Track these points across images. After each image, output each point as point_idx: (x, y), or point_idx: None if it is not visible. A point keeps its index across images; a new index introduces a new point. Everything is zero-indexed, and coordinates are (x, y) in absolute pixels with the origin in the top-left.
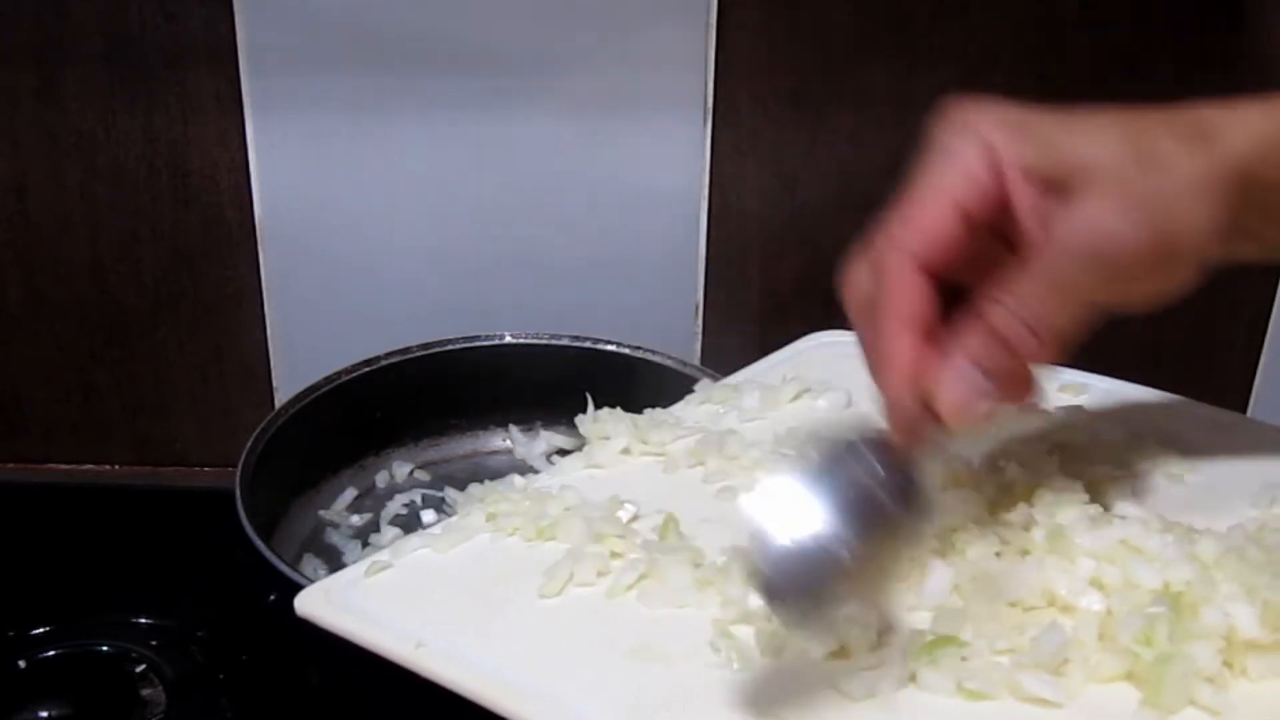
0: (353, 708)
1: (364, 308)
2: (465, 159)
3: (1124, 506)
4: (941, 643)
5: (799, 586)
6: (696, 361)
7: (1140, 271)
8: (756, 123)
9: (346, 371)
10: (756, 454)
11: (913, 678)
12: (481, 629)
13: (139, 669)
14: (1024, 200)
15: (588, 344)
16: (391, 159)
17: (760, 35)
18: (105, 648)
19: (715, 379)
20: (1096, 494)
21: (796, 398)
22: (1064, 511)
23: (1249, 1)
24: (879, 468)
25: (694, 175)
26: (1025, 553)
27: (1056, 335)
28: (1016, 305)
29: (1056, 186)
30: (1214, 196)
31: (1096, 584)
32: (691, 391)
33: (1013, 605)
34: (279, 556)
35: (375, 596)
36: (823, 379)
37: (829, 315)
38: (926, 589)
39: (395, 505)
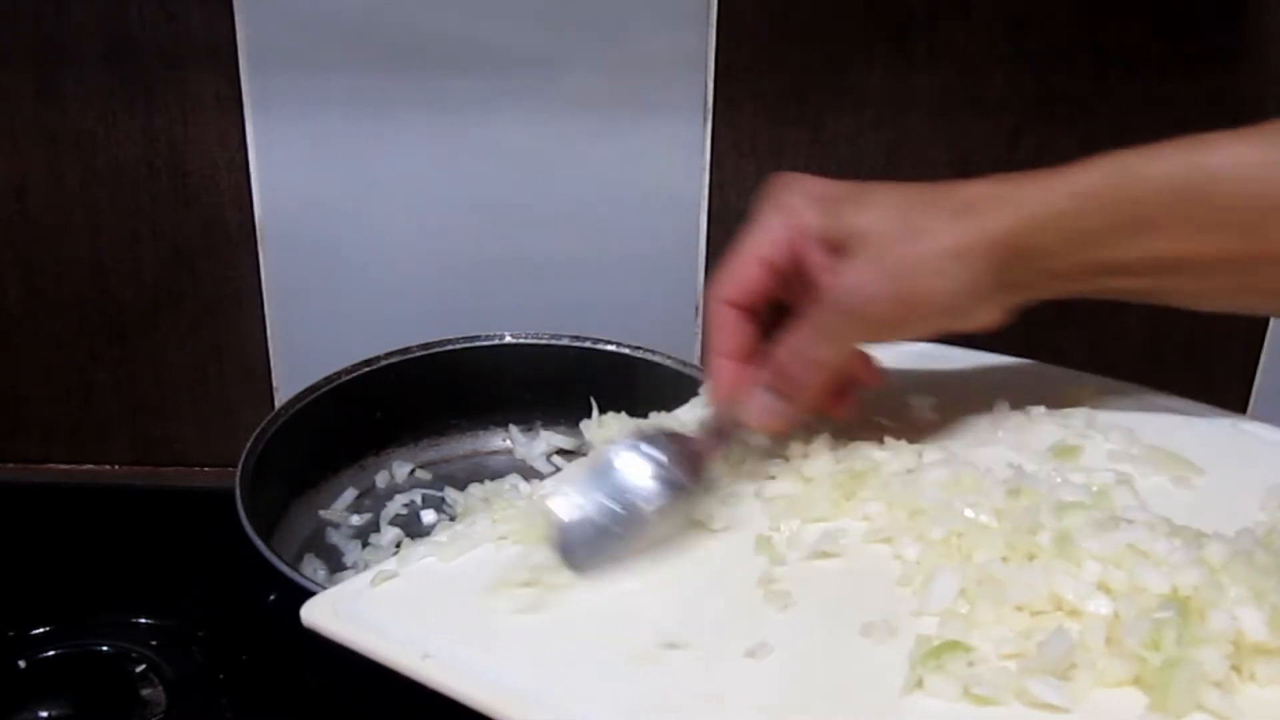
0: (353, 708)
1: (364, 308)
2: (465, 159)
3: (1131, 511)
4: (948, 648)
5: (586, 548)
6: (696, 361)
7: (888, 324)
8: (756, 123)
9: (346, 371)
10: (760, 459)
11: (919, 683)
12: (487, 638)
13: (139, 669)
14: (814, 259)
15: (588, 344)
16: (391, 159)
17: (760, 35)
18: (105, 648)
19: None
20: (1102, 499)
21: None
22: (1070, 516)
23: (1249, 1)
24: (665, 454)
25: (694, 175)
26: (1032, 557)
27: (822, 365)
28: (792, 345)
29: (839, 249)
30: (963, 266)
31: (1103, 588)
32: (696, 395)
33: (1019, 609)
34: (279, 556)
35: (381, 606)
36: None
37: None
38: (932, 593)
39: (395, 505)
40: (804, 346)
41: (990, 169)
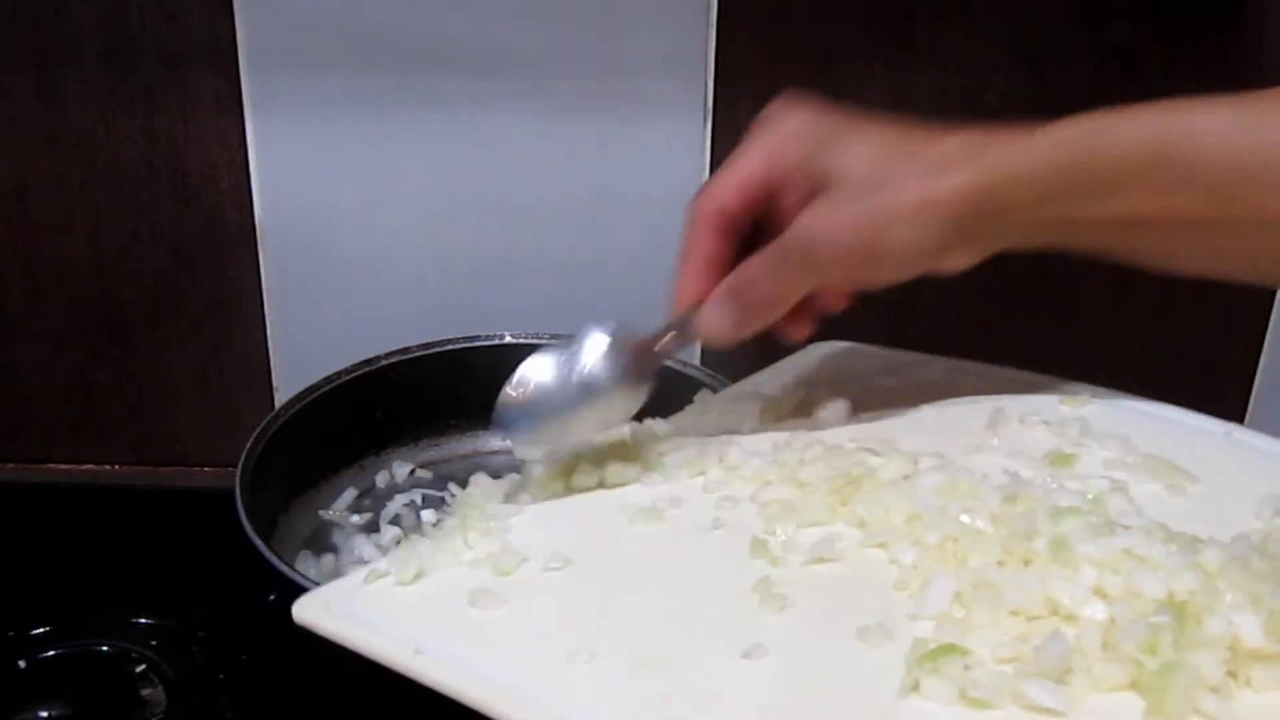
0: (352, 708)
1: (364, 308)
2: (465, 159)
3: (1126, 517)
4: (944, 651)
5: (528, 419)
6: (696, 362)
7: (846, 269)
8: None
9: (346, 371)
10: (757, 463)
11: (915, 686)
12: (480, 636)
13: (139, 669)
14: (793, 189)
15: None
16: (391, 159)
17: (760, 35)
18: (105, 648)
19: (715, 379)
20: (1098, 506)
21: (797, 408)
22: (1066, 521)
23: (1249, 1)
24: (619, 346)
25: (694, 175)
26: (1028, 562)
27: (779, 297)
28: (757, 268)
29: (815, 185)
30: (927, 222)
31: (1100, 593)
32: (691, 401)
33: (1015, 614)
34: (279, 556)
35: (373, 604)
36: (824, 389)
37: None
38: (928, 597)
39: (395, 505)
40: (760, 276)
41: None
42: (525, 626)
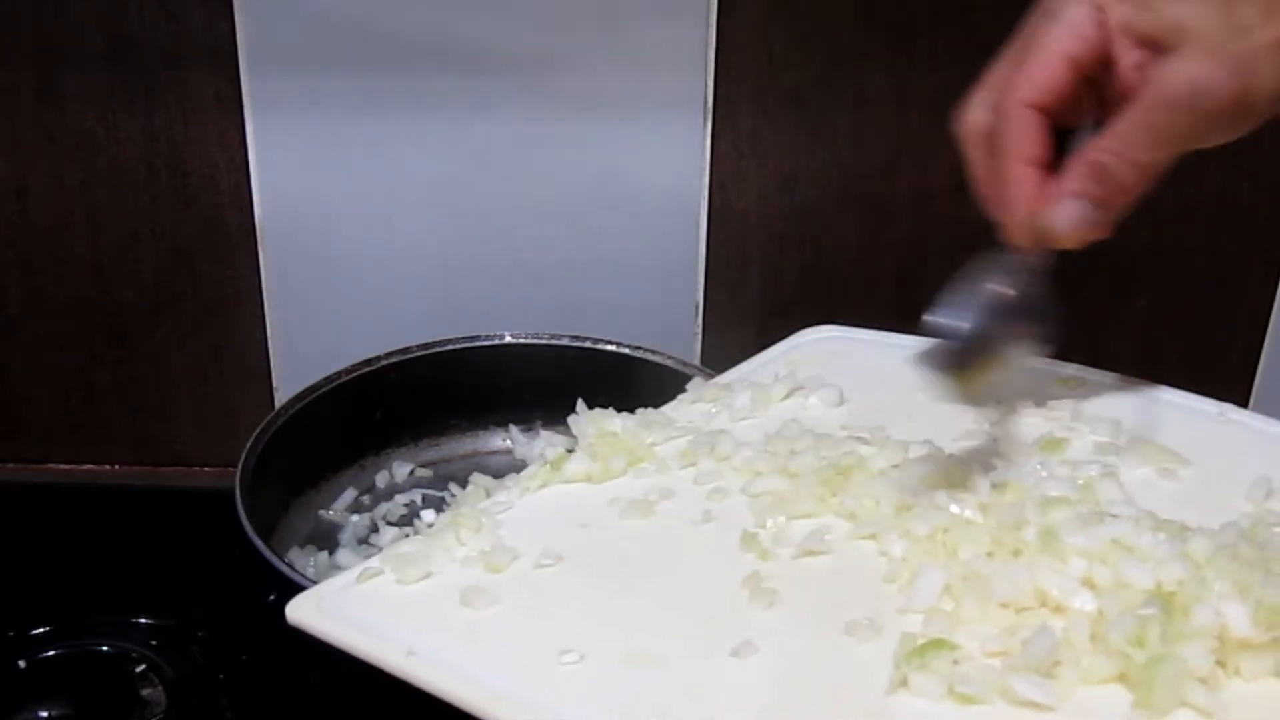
0: (352, 708)
1: (364, 308)
2: (465, 159)
3: (1116, 504)
4: (933, 646)
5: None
6: (696, 361)
7: (1222, 119)
8: (756, 123)
9: (346, 371)
10: (748, 454)
11: (904, 682)
12: (472, 636)
13: (139, 669)
14: (1126, 55)
15: (588, 344)
16: (391, 159)
17: (760, 35)
18: (105, 648)
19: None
20: (1089, 491)
21: (788, 396)
22: (1056, 510)
23: None
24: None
25: (694, 175)
26: (1017, 553)
27: (1147, 169)
28: (1117, 143)
29: (1154, 44)
30: None
31: (1088, 584)
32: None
33: (1004, 606)
34: (279, 556)
35: (366, 604)
36: (815, 375)
37: (829, 315)
38: (918, 590)
39: (395, 505)
40: (1130, 148)
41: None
42: (517, 626)
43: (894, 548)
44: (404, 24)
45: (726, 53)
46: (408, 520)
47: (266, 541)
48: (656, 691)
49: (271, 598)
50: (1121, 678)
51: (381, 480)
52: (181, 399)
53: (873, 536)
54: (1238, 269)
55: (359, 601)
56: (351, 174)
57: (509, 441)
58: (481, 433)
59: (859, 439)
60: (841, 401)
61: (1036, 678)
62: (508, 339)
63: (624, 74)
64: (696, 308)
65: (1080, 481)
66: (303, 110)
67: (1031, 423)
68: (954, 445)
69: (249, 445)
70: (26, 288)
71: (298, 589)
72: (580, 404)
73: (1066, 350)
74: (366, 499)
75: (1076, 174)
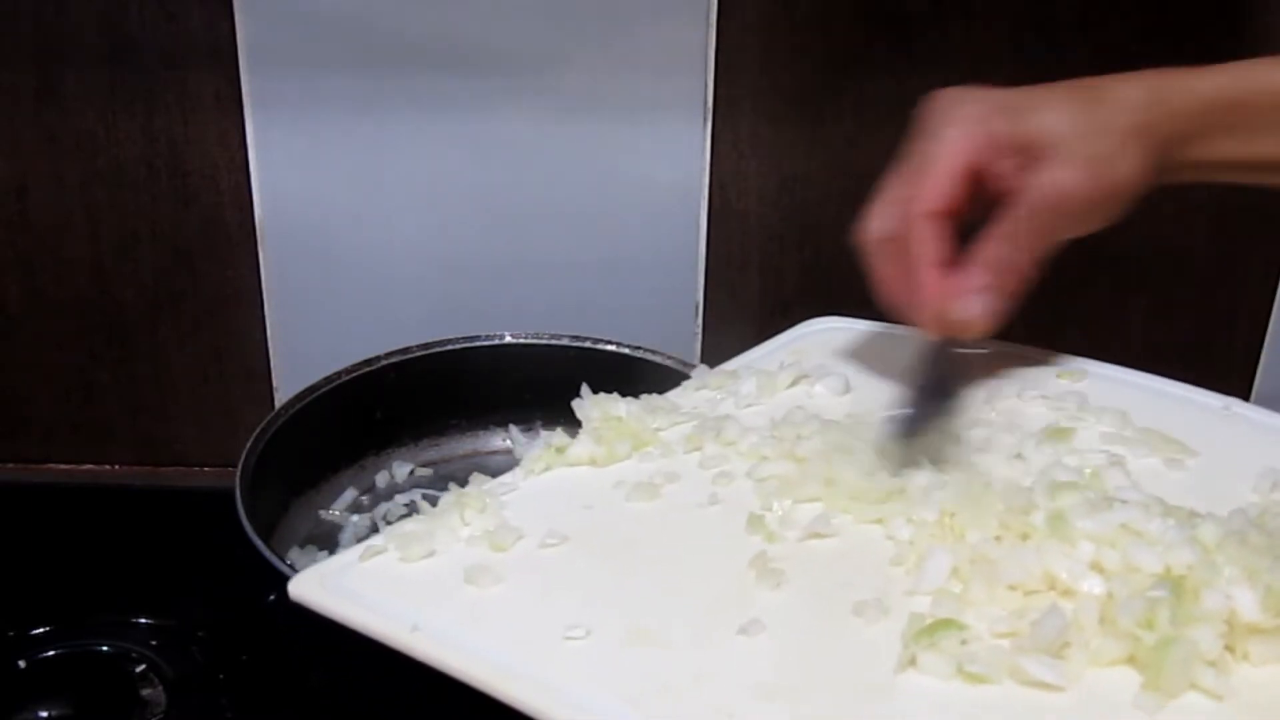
0: (352, 708)
1: (364, 308)
2: (465, 159)
3: (1124, 492)
4: (941, 625)
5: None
6: (696, 361)
7: (1091, 213)
8: (756, 123)
9: (346, 371)
10: (754, 439)
11: (912, 661)
12: (477, 613)
13: (139, 669)
14: (1003, 164)
15: (588, 344)
16: (392, 159)
17: (760, 35)
18: (105, 648)
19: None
20: (1096, 479)
21: (794, 383)
22: (1064, 495)
23: (1249, 1)
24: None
25: (694, 175)
26: (1025, 537)
27: (1035, 260)
28: (1006, 242)
29: (1026, 152)
30: (1140, 154)
31: (1097, 568)
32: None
33: (1012, 589)
34: (279, 556)
35: (370, 581)
36: (819, 364)
37: (829, 314)
38: (925, 573)
39: (395, 505)
40: (1017, 246)
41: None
42: (522, 603)
43: (901, 531)
44: (404, 24)
45: (726, 53)
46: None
47: (266, 541)
48: (663, 667)
49: (271, 598)
50: (1131, 660)
51: (381, 480)
52: (181, 399)
53: (879, 521)
54: (1238, 269)
55: (362, 579)
56: (351, 174)
57: (509, 441)
58: (481, 433)
59: (865, 425)
60: (847, 389)
61: (1046, 658)
62: (508, 339)
63: (624, 74)
64: (696, 308)
65: (1088, 470)
66: (303, 110)
67: (1037, 412)
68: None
69: (249, 445)
70: (26, 288)
71: None
72: (585, 388)
73: (1067, 350)
74: (366, 499)
75: (978, 271)
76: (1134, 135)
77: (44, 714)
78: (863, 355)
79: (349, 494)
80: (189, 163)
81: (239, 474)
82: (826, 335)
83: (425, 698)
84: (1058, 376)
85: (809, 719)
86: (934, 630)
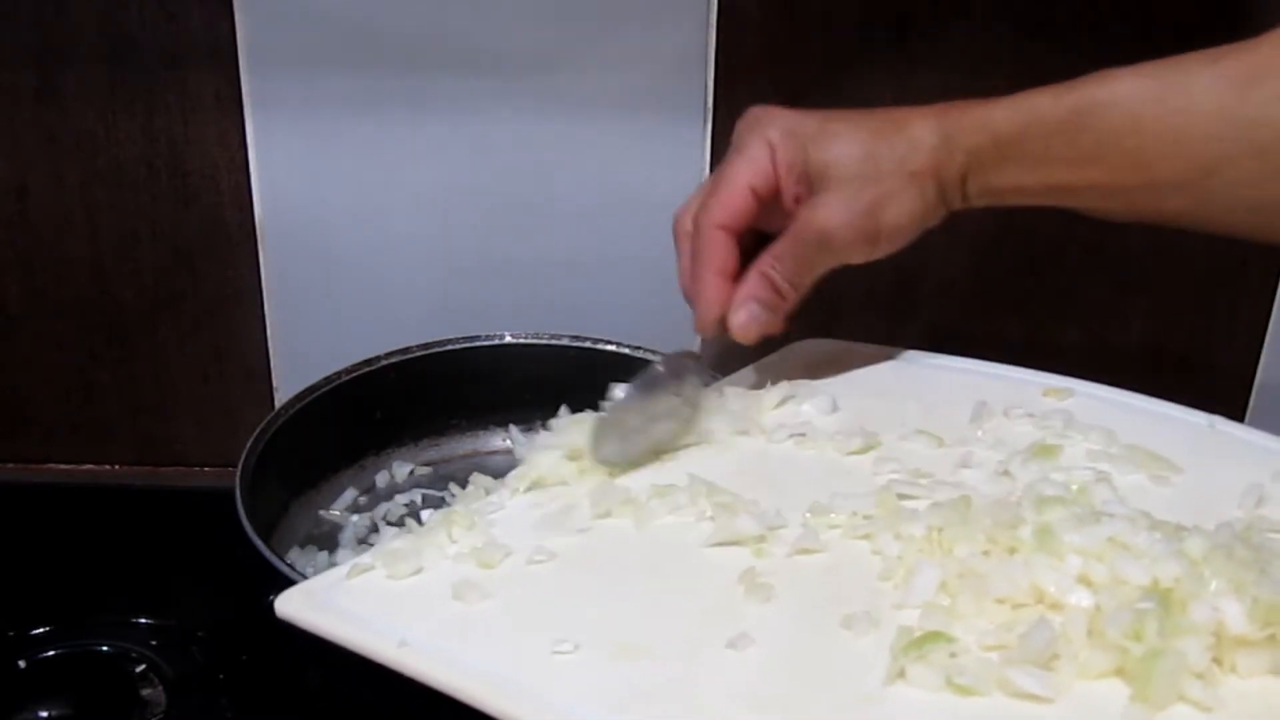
0: (352, 708)
1: (364, 308)
2: (465, 159)
3: (1111, 506)
4: (930, 638)
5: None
6: None
7: (853, 250)
8: None
9: (346, 371)
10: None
11: (901, 673)
12: (465, 628)
13: (139, 669)
14: (788, 189)
15: (588, 344)
16: (391, 159)
17: (760, 35)
18: (105, 648)
19: (715, 378)
20: (1083, 495)
21: (781, 404)
22: (1051, 509)
23: (1249, 2)
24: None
25: (694, 175)
26: (1013, 551)
27: (800, 285)
28: (775, 263)
29: (807, 182)
30: (912, 197)
31: (1085, 581)
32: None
33: (1000, 602)
34: (279, 556)
35: (357, 597)
36: (807, 384)
37: (827, 317)
38: (914, 587)
39: (395, 505)
40: (783, 272)
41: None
42: (510, 618)
43: (889, 547)
44: (404, 24)
45: (726, 53)
46: (408, 520)
47: (266, 541)
48: (652, 681)
49: (271, 598)
50: (1119, 672)
51: (381, 480)
52: (181, 399)
53: (867, 536)
54: (1238, 269)
55: (350, 595)
56: (352, 174)
57: (509, 441)
58: (481, 433)
59: (852, 453)
60: (834, 409)
61: (1034, 670)
62: (508, 339)
63: (624, 74)
64: None
65: (1074, 486)
66: (303, 110)
67: (1024, 430)
68: (947, 450)
69: (249, 445)
70: (26, 288)
71: None
72: (563, 410)
73: (1067, 350)
74: (366, 499)
75: (749, 283)
76: (915, 180)
77: (44, 714)
78: (851, 375)
79: (349, 494)
80: (189, 163)
81: (239, 474)
82: (813, 357)
83: (424, 698)
84: (1044, 395)
85: None
86: (923, 643)
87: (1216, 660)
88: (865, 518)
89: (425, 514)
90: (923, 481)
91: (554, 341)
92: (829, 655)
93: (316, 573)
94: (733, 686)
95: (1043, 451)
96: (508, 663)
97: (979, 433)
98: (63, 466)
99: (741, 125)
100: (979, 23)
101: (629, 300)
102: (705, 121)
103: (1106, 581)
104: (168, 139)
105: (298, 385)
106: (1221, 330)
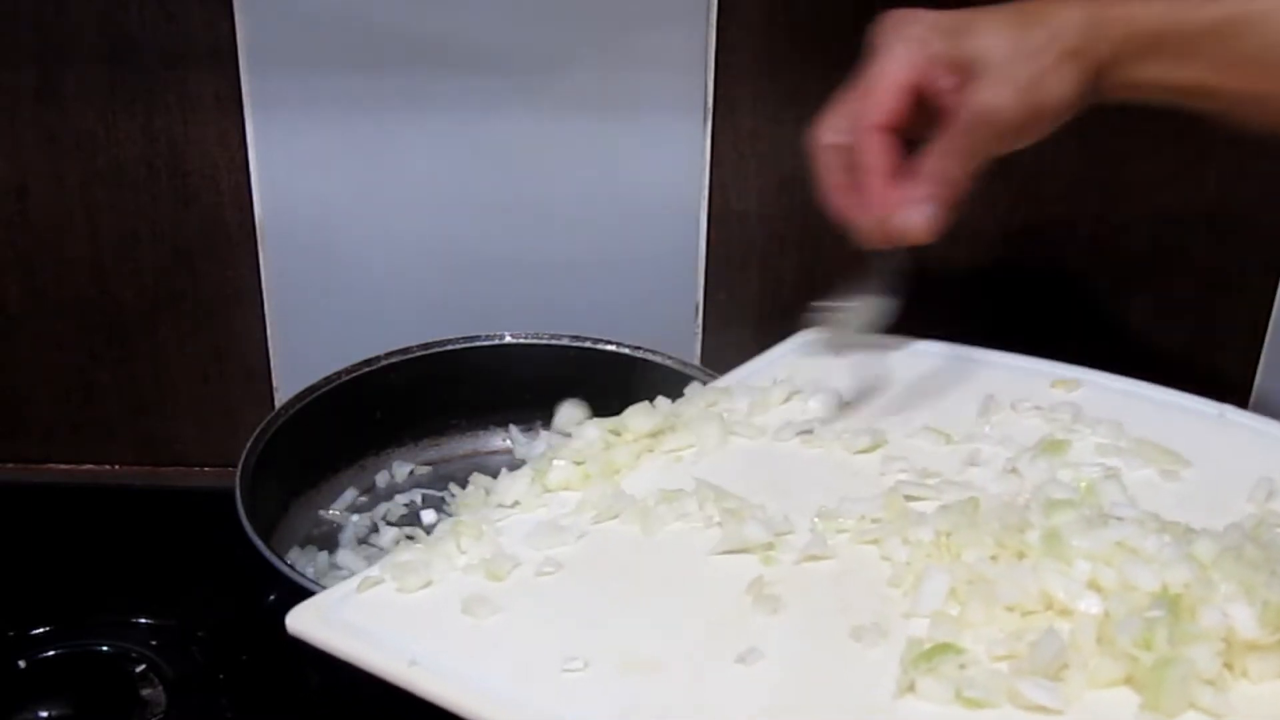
0: (352, 708)
1: (364, 308)
2: (465, 159)
3: (1119, 506)
4: (940, 650)
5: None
6: (696, 361)
7: (1019, 131)
8: (756, 123)
9: (346, 371)
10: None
11: (911, 686)
12: (474, 645)
13: (139, 669)
14: (943, 82)
15: (588, 344)
16: (391, 159)
17: (760, 35)
18: (105, 648)
19: (715, 379)
20: (1091, 493)
21: (787, 400)
22: (1059, 513)
23: None
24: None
25: (694, 175)
26: (1021, 555)
27: (971, 172)
28: (943, 156)
29: (963, 71)
30: (1071, 77)
31: (1094, 586)
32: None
33: (1010, 609)
34: (279, 556)
35: (367, 613)
36: (813, 379)
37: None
38: (923, 594)
39: (395, 505)
40: (951, 164)
41: (990, 167)
42: (519, 633)
43: (897, 552)
44: (404, 24)
45: (726, 53)
46: (408, 520)
47: (266, 541)
48: (662, 698)
49: (271, 598)
50: (1129, 680)
51: (381, 480)
52: (181, 399)
53: (875, 541)
54: (1238, 269)
55: (360, 610)
56: (351, 174)
57: (509, 441)
58: (481, 433)
59: (860, 452)
60: (841, 406)
61: (1044, 681)
62: (508, 339)
63: (624, 74)
64: (696, 308)
65: (1083, 484)
66: (303, 110)
67: (1032, 424)
68: (954, 447)
69: (249, 445)
70: (26, 288)
71: (298, 589)
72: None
73: (1067, 350)
74: (366, 499)
75: (919, 183)
76: (1068, 58)
77: (44, 714)
78: (855, 368)
79: (349, 494)
80: (189, 163)
81: (239, 474)
82: (818, 349)
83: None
84: (1052, 386)
85: None
86: (932, 655)
87: (1227, 665)
88: (873, 522)
89: (425, 514)
90: (930, 481)
91: (554, 341)
92: (838, 668)
93: (316, 572)
94: (742, 702)
95: (1051, 447)
96: (518, 680)
97: (986, 428)
98: (63, 466)
99: (881, 30)
100: None
101: (629, 300)
102: (705, 121)
103: (1115, 587)
104: (168, 139)
105: (298, 385)
106: (1221, 330)
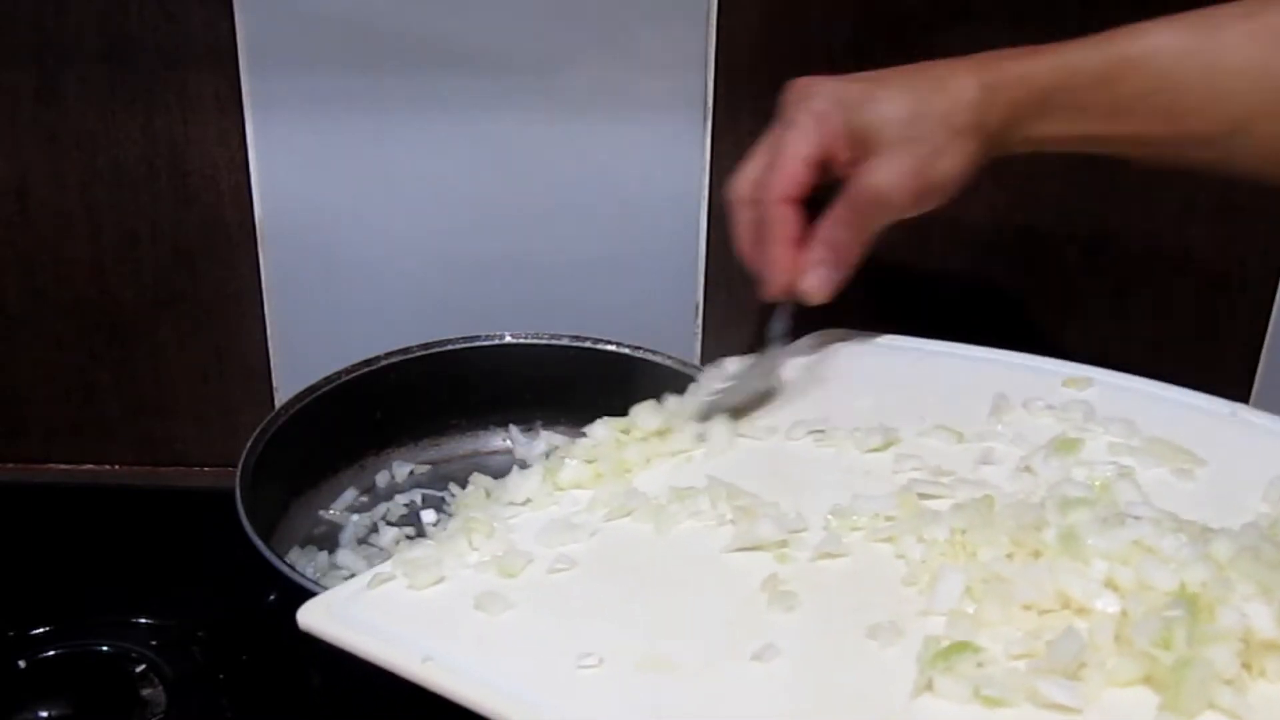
0: (353, 708)
1: (364, 308)
2: (465, 159)
3: (1135, 505)
4: (957, 649)
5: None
6: (696, 361)
7: (907, 205)
8: (756, 123)
9: (346, 371)
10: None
11: (928, 685)
12: (488, 641)
13: (139, 669)
14: (841, 154)
15: (588, 344)
16: (391, 159)
17: (760, 35)
18: (105, 648)
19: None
20: (1106, 492)
21: (799, 398)
22: (1075, 511)
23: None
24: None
25: (694, 175)
26: (1037, 554)
27: (862, 242)
28: (835, 226)
29: (860, 145)
30: (960, 150)
31: (1111, 585)
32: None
33: (1027, 608)
34: (279, 556)
35: (379, 609)
36: (824, 378)
37: (828, 315)
38: (938, 593)
39: (395, 505)
40: (845, 234)
41: (990, 167)
42: (533, 631)
43: (912, 550)
44: (404, 23)
45: (726, 53)
46: (408, 520)
47: (266, 541)
48: (677, 696)
49: (272, 598)
50: (1148, 679)
51: (381, 480)
52: (181, 399)
53: (889, 539)
54: (1238, 269)
55: (371, 607)
56: (352, 174)
57: (509, 441)
58: (481, 433)
59: (871, 450)
60: (852, 404)
61: (1062, 680)
62: (508, 339)
63: (624, 74)
64: (696, 308)
65: (1097, 483)
66: (303, 110)
67: (1044, 423)
68: (967, 446)
69: (249, 445)
70: (26, 288)
71: (298, 589)
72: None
73: (1071, 346)
74: (366, 499)
75: (816, 250)
76: (960, 136)
77: (44, 714)
78: (866, 368)
79: (349, 494)
80: (189, 163)
81: (239, 474)
82: (829, 348)
83: (428, 698)
84: (1063, 385)
85: None
86: (949, 654)
87: (1245, 665)
88: (887, 519)
89: (425, 514)
90: (944, 480)
91: (554, 341)
92: (854, 667)
93: (316, 572)
94: (758, 702)
95: (1064, 446)
96: (532, 677)
97: (999, 427)
98: (63, 466)
99: (788, 98)
100: (979, 22)
101: (629, 300)
102: (705, 121)
103: (1133, 586)
104: (168, 139)
105: (298, 385)
106: (1222, 330)
